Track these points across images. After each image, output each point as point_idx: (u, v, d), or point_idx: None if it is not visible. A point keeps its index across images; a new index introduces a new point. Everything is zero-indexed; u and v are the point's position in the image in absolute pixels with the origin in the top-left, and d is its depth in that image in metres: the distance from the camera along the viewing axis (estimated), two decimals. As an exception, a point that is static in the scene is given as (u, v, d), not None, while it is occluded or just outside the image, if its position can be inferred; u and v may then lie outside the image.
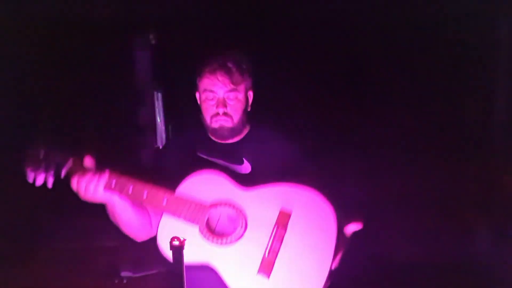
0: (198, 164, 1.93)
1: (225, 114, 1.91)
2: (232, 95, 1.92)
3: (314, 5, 3.21)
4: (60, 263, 3.18)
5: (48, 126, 3.35)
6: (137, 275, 3.13)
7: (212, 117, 1.93)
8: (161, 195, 1.76)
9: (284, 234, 1.70)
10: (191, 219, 1.74)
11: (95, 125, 3.50)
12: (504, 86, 3.42)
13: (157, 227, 1.85)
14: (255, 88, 2.01)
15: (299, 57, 3.38)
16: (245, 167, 1.95)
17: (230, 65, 1.91)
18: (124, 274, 3.15)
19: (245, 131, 2.01)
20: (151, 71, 3.61)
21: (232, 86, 1.91)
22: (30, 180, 1.78)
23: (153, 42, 3.58)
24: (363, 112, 3.41)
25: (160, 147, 3.58)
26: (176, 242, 1.43)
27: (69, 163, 1.79)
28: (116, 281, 3.12)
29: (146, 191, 1.77)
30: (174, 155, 2.02)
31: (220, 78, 1.90)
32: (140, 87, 3.63)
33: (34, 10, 3.14)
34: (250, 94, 2.01)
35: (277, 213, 1.73)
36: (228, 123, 1.92)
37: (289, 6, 3.31)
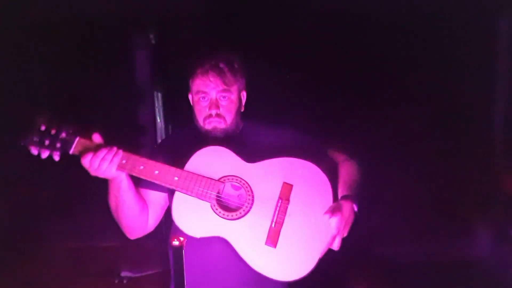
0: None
1: (218, 115, 1.91)
2: (225, 95, 1.92)
3: (312, 4, 3.21)
4: (60, 263, 3.18)
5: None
6: (137, 275, 3.13)
7: (205, 118, 1.93)
8: (172, 172, 1.80)
9: (288, 206, 1.82)
10: (203, 196, 1.80)
11: (94, 125, 3.49)
12: (504, 86, 3.41)
13: (154, 223, 1.95)
14: (250, 87, 2.01)
15: (298, 56, 3.38)
16: None
17: (222, 65, 1.91)
18: (124, 274, 3.15)
19: (238, 131, 2.01)
20: (151, 71, 3.61)
21: (225, 86, 1.91)
22: (34, 153, 1.74)
23: (153, 42, 3.58)
24: (362, 112, 3.40)
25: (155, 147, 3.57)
26: (176, 242, 1.43)
27: (77, 140, 1.77)
28: (116, 281, 3.13)
29: (157, 169, 1.80)
30: (166, 155, 2.01)
31: (212, 79, 1.90)
32: (140, 87, 3.63)
33: (34, 9, 3.14)
34: (244, 94, 2.01)
35: (280, 186, 1.85)
36: (221, 125, 1.92)
37: (289, 6, 3.31)
